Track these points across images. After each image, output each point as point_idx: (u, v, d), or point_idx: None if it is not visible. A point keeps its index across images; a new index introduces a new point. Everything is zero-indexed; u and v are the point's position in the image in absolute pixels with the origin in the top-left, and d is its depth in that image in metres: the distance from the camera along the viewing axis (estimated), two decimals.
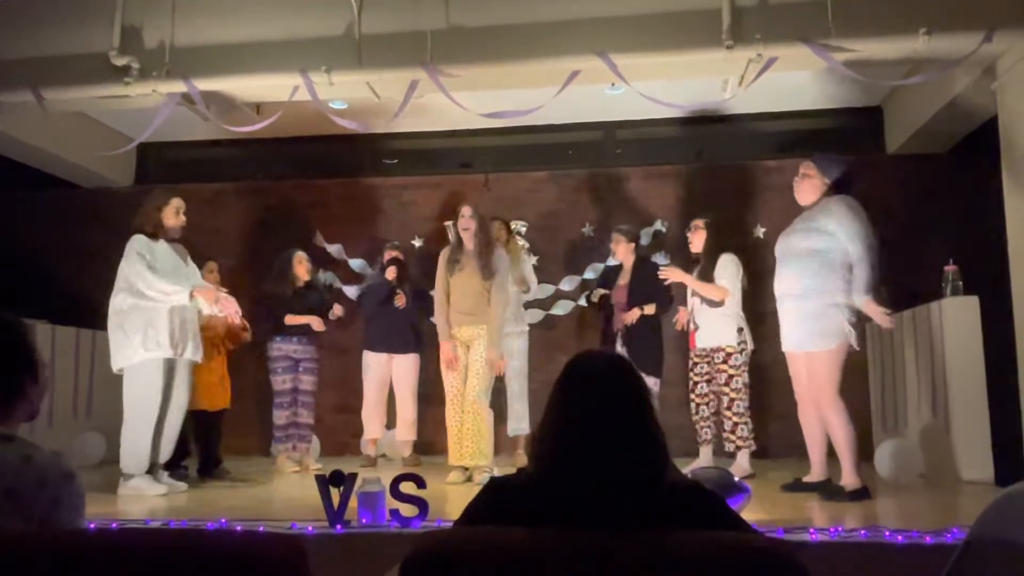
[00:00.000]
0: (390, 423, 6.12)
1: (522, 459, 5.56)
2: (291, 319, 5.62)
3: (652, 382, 5.09)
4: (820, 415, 4.11)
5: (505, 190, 6.98)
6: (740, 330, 5.01)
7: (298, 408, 5.68)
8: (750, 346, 5.05)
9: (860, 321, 4.11)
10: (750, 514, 3.20)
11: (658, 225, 6.78)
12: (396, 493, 3.09)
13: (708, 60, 4.62)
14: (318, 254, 6.69)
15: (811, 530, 2.94)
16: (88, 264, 6.64)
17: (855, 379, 4.23)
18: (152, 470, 4.46)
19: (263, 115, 5.50)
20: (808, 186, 4.20)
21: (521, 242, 6.70)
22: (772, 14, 4.53)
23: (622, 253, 5.49)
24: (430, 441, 6.50)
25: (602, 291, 5.55)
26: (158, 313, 4.42)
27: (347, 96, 5.41)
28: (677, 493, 1.43)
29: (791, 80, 5.88)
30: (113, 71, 4.93)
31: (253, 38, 4.95)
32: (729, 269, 5.03)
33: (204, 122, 5.44)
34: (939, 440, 4.87)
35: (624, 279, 5.44)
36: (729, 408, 4.93)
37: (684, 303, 5.33)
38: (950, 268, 4.94)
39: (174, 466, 4.93)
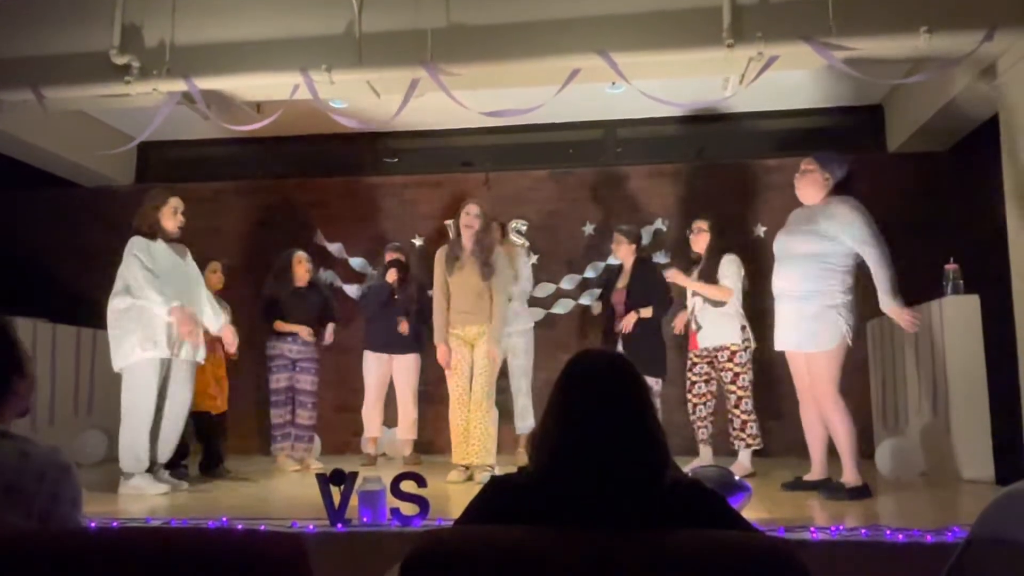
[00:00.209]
0: (391, 422, 6.13)
1: (523, 458, 5.56)
2: (280, 326, 5.61)
3: (654, 381, 5.10)
4: (821, 414, 4.11)
5: (506, 189, 6.98)
6: (743, 328, 5.01)
7: (295, 408, 5.68)
8: (752, 344, 5.05)
9: (863, 319, 4.12)
10: (751, 513, 3.20)
11: (658, 224, 6.78)
12: (397, 492, 3.09)
13: (709, 59, 4.61)
14: (318, 253, 6.70)
15: (812, 529, 2.94)
16: (88, 263, 6.65)
17: (856, 378, 4.24)
18: (153, 469, 4.46)
19: (263, 114, 5.50)
20: (810, 182, 4.19)
21: (522, 241, 6.70)
22: (773, 12, 4.53)
23: (623, 253, 5.49)
24: (430, 440, 6.51)
25: (599, 304, 5.55)
26: (155, 314, 4.42)
27: (347, 95, 5.41)
28: (678, 492, 1.43)
29: (792, 79, 5.88)
30: (113, 70, 4.93)
31: (253, 37, 4.94)
32: (731, 269, 5.03)
33: (204, 121, 5.44)
34: (940, 439, 4.87)
35: (624, 280, 5.44)
36: (737, 406, 4.93)
37: (684, 303, 5.33)
38: (951, 267, 4.94)
39: (175, 465, 4.93)
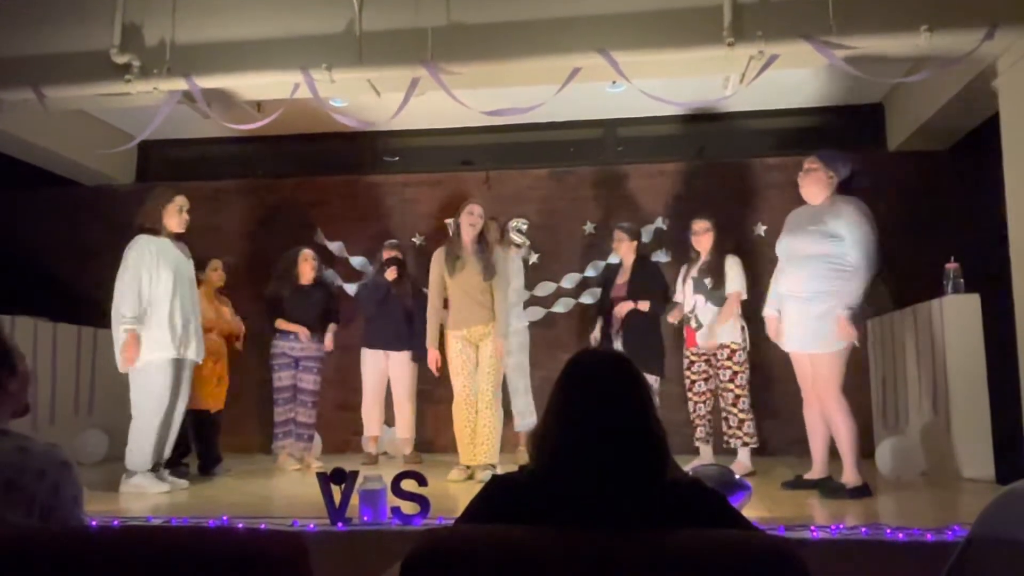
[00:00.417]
0: (391, 421, 6.13)
1: (523, 456, 5.56)
2: (281, 324, 5.63)
3: (653, 380, 5.10)
4: (823, 413, 4.11)
5: (506, 188, 6.98)
6: (743, 328, 5.02)
7: (296, 406, 5.69)
8: (748, 345, 5.06)
9: (864, 319, 4.11)
10: (751, 511, 3.20)
11: (659, 223, 6.77)
12: (397, 491, 3.09)
13: (709, 57, 4.61)
14: (319, 252, 6.69)
15: (812, 527, 2.95)
16: (89, 262, 6.65)
17: (856, 376, 4.24)
18: (154, 468, 4.46)
19: (264, 113, 5.50)
20: (814, 180, 4.18)
21: (522, 240, 6.69)
22: (773, 11, 4.52)
23: (624, 250, 5.49)
24: (431, 439, 6.51)
25: (599, 329, 5.55)
26: (157, 313, 4.42)
27: (348, 93, 5.41)
28: (678, 491, 1.43)
29: (792, 77, 5.87)
30: (114, 69, 4.92)
31: (254, 36, 4.94)
32: (737, 272, 5.04)
33: (205, 120, 5.44)
34: (940, 437, 4.87)
35: (623, 277, 5.44)
36: (734, 405, 4.93)
37: (682, 301, 5.33)
38: (951, 265, 4.94)
39: (175, 464, 4.94)
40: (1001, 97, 4.68)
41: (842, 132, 6.70)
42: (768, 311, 4.42)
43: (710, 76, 5.32)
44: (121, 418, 4.51)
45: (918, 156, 6.45)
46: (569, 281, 6.82)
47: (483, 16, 4.79)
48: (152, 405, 4.40)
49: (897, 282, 5.77)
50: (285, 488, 4.81)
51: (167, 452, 4.61)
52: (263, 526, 2.98)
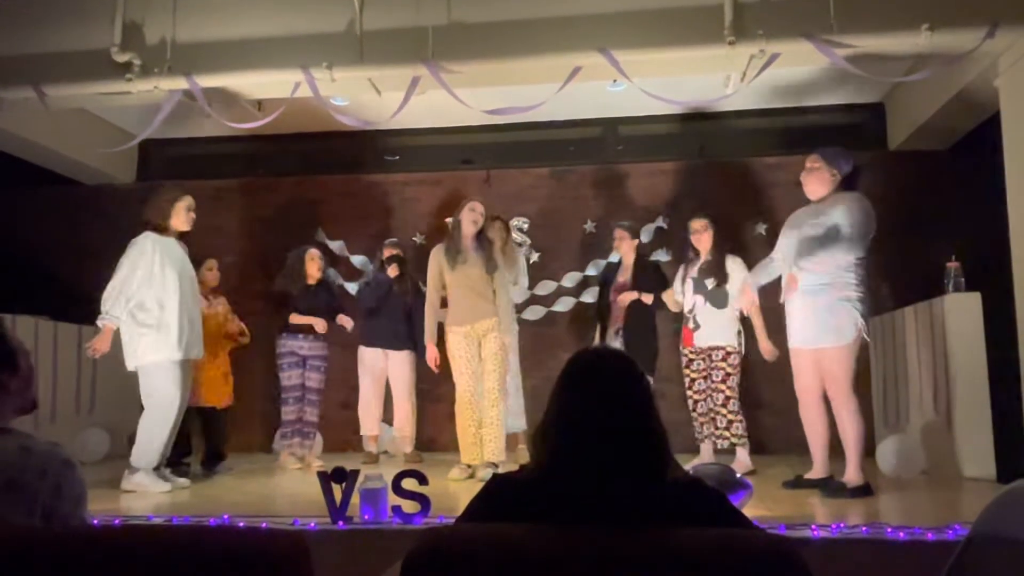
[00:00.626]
0: (391, 419, 6.13)
1: (522, 455, 5.56)
2: (296, 318, 5.64)
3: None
4: (834, 410, 4.08)
5: (506, 186, 6.98)
6: (739, 332, 5.02)
7: (305, 405, 5.70)
8: (743, 349, 5.05)
9: (870, 314, 4.11)
10: (751, 510, 3.20)
11: (659, 221, 6.77)
12: (398, 489, 3.09)
13: (710, 56, 4.61)
14: (320, 251, 6.69)
15: (813, 527, 2.95)
16: (90, 261, 6.63)
17: (857, 375, 4.23)
18: (156, 467, 4.46)
19: (265, 112, 5.50)
20: (816, 179, 4.18)
21: (522, 239, 6.70)
22: (774, 10, 4.52)
23: (624, 249, 5.49)
24: (432, 438, 6.51)
25: (598, 330, 5.55)
26: (167, 314, 4.43)
27: (349, 92, 5.41)
28: (679, 490, 1.43)
29: (793, 76, 5.87)
30: (115, 68, 4.92)
31: (255, 34, 4.94)
32: (739, 273, 5.02)
33: (206, 119, 5.44)
34: (941, 436, 4.87)
35: (624, 275, 5.43)
36: (724, 406, 4.95)
37: (681, 300, 5.33)
38: (952, 264, 4.94)
39: (177, 463, 4.95)
40: (1002, 96, 4.68)
41: (843, 131, 6.69)
42: (751, 279, 4.47)
43: (711, 75, 5.32)
44: (123, 416, 4.52)
45: (919, 155, 6.44)
46: (570, 280, 6.82)
47: (484, 15, 4.79)
48: (167, 403, 4.41)
49: (898, 281, 5.78)
50: (286, 487, 4.81)
51: (168, 449, 4.62)
52: (264, 525, 2.99)
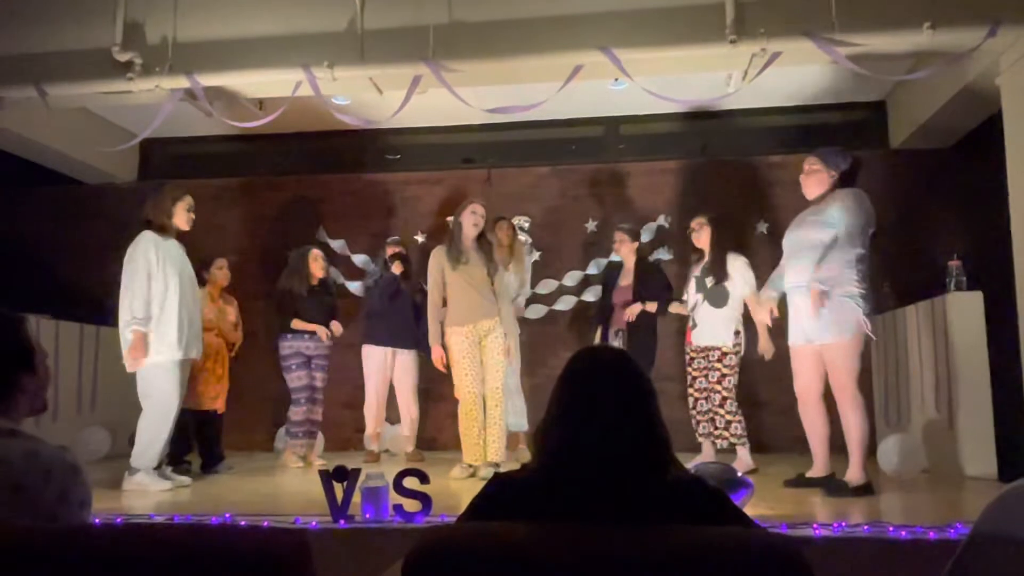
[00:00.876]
0: (393, 418, 6.13)
1: (523, 455, 5.56)
2: (298, 324, 5.64)
3: None
4: (838, 407, 4.06)
5: (508, 186, 6.98)
6: (737, 332, 5.00)
7: (312, 405, 5.71)
8: (743, 349, 5.05)
9: (873, 312, 4.10)
10: (752, 509, 3.20)
11: (661, 221, 6.77)
12: (399, 488, 3.09)
13: (711, 55, 4.60)
14: (321, 250, 6.69)
15: (814, 525, 2.95)
16: (92, 260, 6.66)
17: (859, 374, 4.23)
18: (157, 466, 4.47)
19: (266, 111, 5.50)
20: (815, 180, 4.20)
21: (524, 237, 6.70)
22: (776, 8, 4.51)
23: (625, 252, 5.49)
24: (433, 437, 6.51)
25: (599, 331, 5.55)
26: (167, 314, 4.43)
27: (350, 91, 5.41)
28: (680, 488, 1.43)
29: (795, 75, 5.86)
30: (116, 67, 4.92)
31: (256, 33, 4.94)
32: (742, 271, 5.01)
33: (207, 118, 5.44)
34: (943, 435, 4.87)
35: (627, 279, 5.43)
36: (721, 406, 4.95)
37: (684, 299, 5.33)
38: (954, 263, 4.94)
39: (178, 462, 4.95)
40: (1004, 94, 4.67)
41: (845, 129, 6.70)
42: (766, 293, 4.42)
43: (713, 73, 5.31)
44: (124, 415, 4.52)
45: (921, 154, 6.44)
46: (571, 279, 6.82)
47: (485, 14, 4.79)
48: (165, 405, 4.41)
49: (900, 279, 5.77)
50: (287, 486, 4.82)
51: (167, 450, 4.62)
52: (266, 524, 2.99)
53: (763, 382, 6.01)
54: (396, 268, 5.95)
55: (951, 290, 4.87)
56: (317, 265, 5.82)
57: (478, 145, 7.26)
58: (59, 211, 7.28)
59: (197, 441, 5.35)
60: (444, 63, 4.67)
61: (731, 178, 6.77)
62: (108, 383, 6.19)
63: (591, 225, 6.85)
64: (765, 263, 5.47)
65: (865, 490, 3.95)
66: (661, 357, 5.40)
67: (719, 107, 6.67)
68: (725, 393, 4.94)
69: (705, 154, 7.01)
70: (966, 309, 4.78)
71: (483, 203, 4.96)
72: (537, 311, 6.62)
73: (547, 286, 6.75)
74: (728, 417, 4.93)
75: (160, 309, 4.43)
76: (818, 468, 4.27)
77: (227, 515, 3.31)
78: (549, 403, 1.51)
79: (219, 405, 5.38)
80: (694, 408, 5.11)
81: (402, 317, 5.93)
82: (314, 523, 3.08)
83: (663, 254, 6.57)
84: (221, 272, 5.64)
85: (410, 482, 3.09)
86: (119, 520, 3.21)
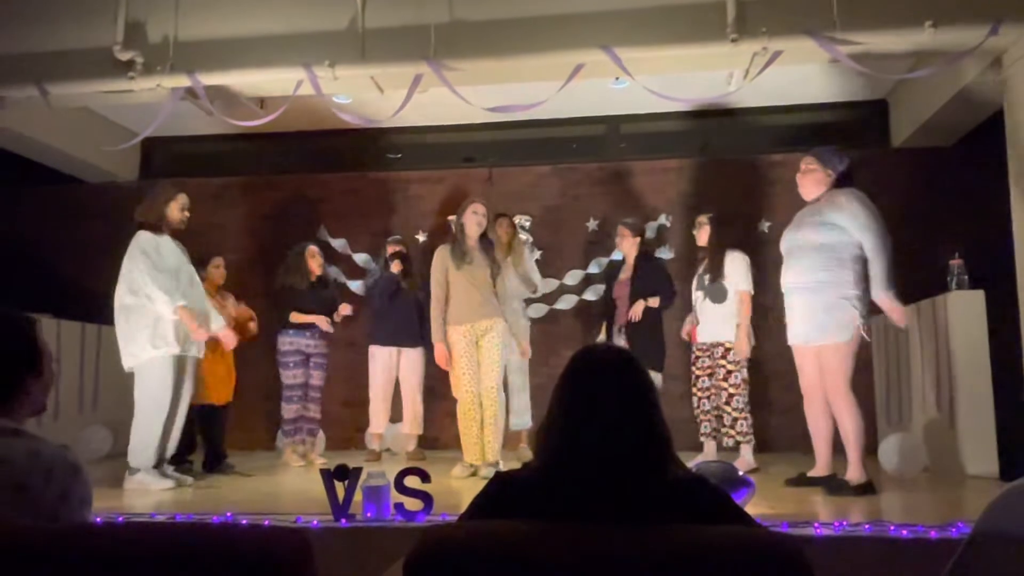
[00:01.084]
0: (395, 417, 6.13)
1: (525, 453, 5.56)
2: (297, 317, 5.64)
3: (655, 376, 5.09)
4: (831, 408, 4.08)
5: (509, 184, 6.98)
6: (738, 326, 5.00)
7: (308, 403, 5.71)
8: (752, 342, 5.05)
9: (870, 313, 4.10)
10: (754, 508, 3.20)
11: (662, 219, 6.77)
12: (401, 487, 3.09)
13: (713, 54, 4.60)
14: (322, 248, 6.69)
15: (815, 524, 2.94)
16: (93, 259, 6.65)
17: (860, 373, 4.23)
18: (158, 465, 4.47)
19: (267, 109, 5.50)
20: (812, 180, 4.19)
21: (525, 236, 6.70)
22: (777, 7, 4.51)
23: (626, 246, 5.48)
24: (435, 436, 6.51)
25: (604, 328, 5.54)
26: (162, 311, 4.43)
27: (351, 90, 5.41)
28: (681, 487, 1.43)
29: (796, 73, 5.86)
30: (117, 66, 4.93)
31: (257, 32, 4.94)
32: (741, 268, 5.01)
33: (208, 117, 5.44)
34: (944, 434, 4.86)
35: (627, 273, 5.43)
36: (728, 403, 4.94)
37: (688, 299, 5.33)
38: (955, 262, 4.93)
39: (180, 460, 4.95)
40: (1005, 93, 4.66)
41: (846, 128, 6.70)
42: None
43: (714, 72, 5.31)
44: (125, 414, 4.52)
45: (922, 152, 6.43)
46: (572, 278, 6.82)
47: (486, 12, 4.78)
48: (155, 402, 4.41)
49: (901, 278, 5.75)
50: (289, 485, 4.82)
51: (171, 449, 4.62)
52: (267, 523, 2.99)
53: (764, 382, 6.01)
54: (395, 267, 5.95)
55: (952, 289, 4.87)
56: (315, 261, 5.83)
57: (479, 144, 7.26)
58: (60, 210, 7.29)
59: (201, 436, 5.37)
60: (445, 62, 4.67)
61: (733, 177, 6.76)
62: (109, 382, 6.20)
63: (592, 224, 6.85)
64: (767, 262, 5.48)
65: (866, 489, 3.95)
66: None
67: (720, 106, 6.67)
68: (732, 390, 4.94)
69: (706, 153, 7.01)
70: (967, 308, 4.78)
71: (484, 202, 4.96)
72: (538, 310, 6.61)
73: (548, 285, 6.75)
74: (735, 414, 4.92)
75: (150, 305, 4.43)
76: (820, 468, 4.27)
77: (228, 514, 3.31)
78: (550, 402, 1.51)
79: (219, 399, 5.38)
80: (698, 407, 5.11)
81: (405, 315, 5.92)
82: (315, 522, 3.08)
83: (665, 253, 6.57)
84: (218, 271, 5.64)
85: (411, 481, 3.10)
86: (120, 519, 3.22)
